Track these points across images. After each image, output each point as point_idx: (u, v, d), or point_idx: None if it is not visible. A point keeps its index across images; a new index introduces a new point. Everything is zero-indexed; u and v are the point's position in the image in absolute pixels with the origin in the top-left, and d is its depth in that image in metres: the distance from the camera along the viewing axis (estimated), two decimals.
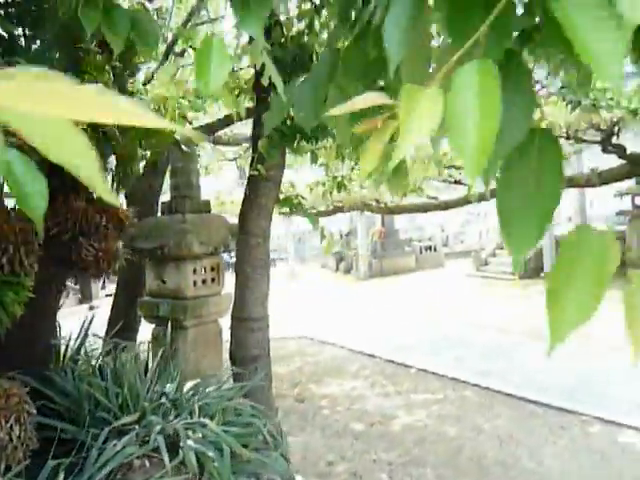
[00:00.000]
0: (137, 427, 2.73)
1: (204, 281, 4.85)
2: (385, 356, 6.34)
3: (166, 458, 2.40)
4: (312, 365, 6.31)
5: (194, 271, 4.78)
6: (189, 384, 3.35)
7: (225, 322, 4.62)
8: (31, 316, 3.10)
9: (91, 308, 12.46)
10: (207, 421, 2.64)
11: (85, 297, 12.92)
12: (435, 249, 14.81)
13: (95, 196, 3.28)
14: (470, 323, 7.82)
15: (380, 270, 14.16)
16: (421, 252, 14.53)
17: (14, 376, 2.64)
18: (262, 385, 3.86)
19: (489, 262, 12.35)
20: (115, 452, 2.39)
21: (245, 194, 3.87)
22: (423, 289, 11.71)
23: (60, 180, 3.28)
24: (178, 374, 3.46)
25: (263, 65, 1.29)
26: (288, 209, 3.95)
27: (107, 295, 14.84)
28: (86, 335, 4.15)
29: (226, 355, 6.77)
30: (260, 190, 3.82)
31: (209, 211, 5.07)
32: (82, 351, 3.69)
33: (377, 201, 12.54)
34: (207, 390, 3.18)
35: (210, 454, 2.56)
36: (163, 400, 2.94)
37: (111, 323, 5.70)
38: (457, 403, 4.75)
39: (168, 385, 3.24)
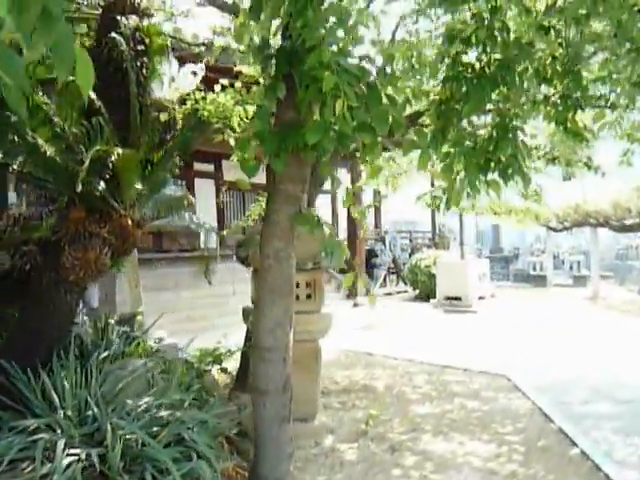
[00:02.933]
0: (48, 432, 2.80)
1: (297, 297, 4.57)
2: (578, 438, 4.76)
3: None
4: (465, 412, 5.29)
5: None
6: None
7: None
8: (36, 318, 3.44)
9: (355, 305, 13.02)
10: None
11: (352, 293, 13.53)
12: None
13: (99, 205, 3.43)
14: None
15: None
16: None
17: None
18: (269, 424, 3.45)
19: None
20: None
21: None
22: None
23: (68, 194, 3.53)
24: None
25: None
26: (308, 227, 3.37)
27: (386, 294, 15.32)
28: (126, 336, 4.41)
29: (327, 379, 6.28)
30: (274, 205, 3.42)
31: None
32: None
33: None
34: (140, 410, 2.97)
35: None
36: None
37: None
38: None
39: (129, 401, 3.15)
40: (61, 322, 3.47)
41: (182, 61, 5.21)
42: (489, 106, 3.81)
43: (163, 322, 8.80)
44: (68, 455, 2.59)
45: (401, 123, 3.37)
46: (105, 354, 3.61)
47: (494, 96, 3.71)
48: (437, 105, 3.72)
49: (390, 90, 3.21)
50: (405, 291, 15.42)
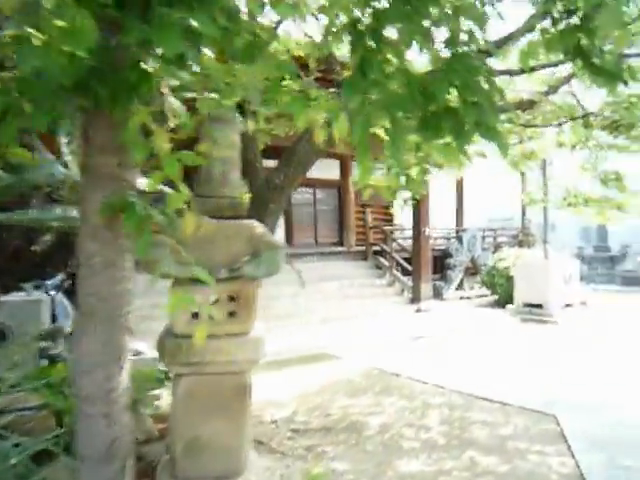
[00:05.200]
0: None
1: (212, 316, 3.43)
2: None
3: None
4: (470, 475, 3.83)
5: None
6: None
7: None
8: None
9: (418, 311, 11.52)
10: None
11: (417, 297, 12.01)
12: None
13: None
14: None
15: None
16: None
17: None
18: None
19: None
20: None
21: None
22: None
23: None
24: None
25: None
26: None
27: (461, 298, 13.58)
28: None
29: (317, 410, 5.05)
30: (83, 190, 2.32)
31: (237, 217, 3.55)
32: None
33: None
34: None
35: None
36: None
37: None
38: None
39: None
40: None
41: None
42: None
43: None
44: None
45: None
46: None
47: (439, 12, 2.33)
48: (351, 28, 2.40)
49: None
50: (485, 295, 13.61)
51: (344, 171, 14.19)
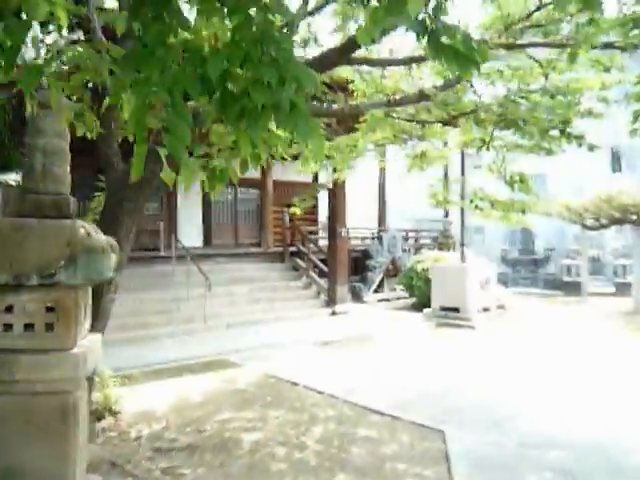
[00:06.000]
0: None
1: (28, 326, 2.93)
2: None
3: None
4: None
5: (8, 309, 2.92)
6: None
7: None
8: None
9: (333, 314, 11.19)
10: None
11: (332, 300, 11.64)
12: None
13: None
14: None
15: None
16: None
17: None
18: None
19: None
20: None
21: None
22: None
23: None
24: None
25: None
26: None
27: (381, 300, 13.35)
28: None
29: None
30: None
31: (62, 216, 3.05)
32: None
33: None
34: None
35: None
36: None
37: None
38: None
39: None
40: None
41: None
42: None
43: None
44: None
45: None
46: None
47: None
48: None
49: None
50: (405, 297, 13.44)
51: (265, 170, 13.68)
